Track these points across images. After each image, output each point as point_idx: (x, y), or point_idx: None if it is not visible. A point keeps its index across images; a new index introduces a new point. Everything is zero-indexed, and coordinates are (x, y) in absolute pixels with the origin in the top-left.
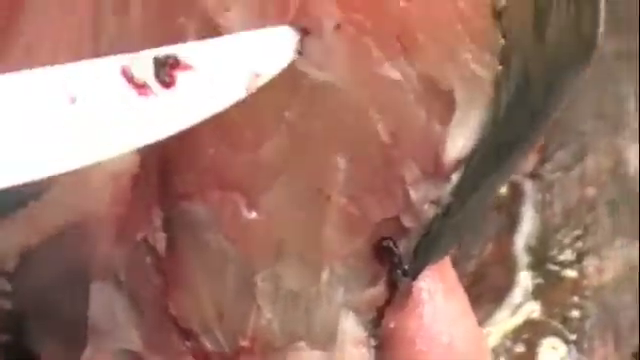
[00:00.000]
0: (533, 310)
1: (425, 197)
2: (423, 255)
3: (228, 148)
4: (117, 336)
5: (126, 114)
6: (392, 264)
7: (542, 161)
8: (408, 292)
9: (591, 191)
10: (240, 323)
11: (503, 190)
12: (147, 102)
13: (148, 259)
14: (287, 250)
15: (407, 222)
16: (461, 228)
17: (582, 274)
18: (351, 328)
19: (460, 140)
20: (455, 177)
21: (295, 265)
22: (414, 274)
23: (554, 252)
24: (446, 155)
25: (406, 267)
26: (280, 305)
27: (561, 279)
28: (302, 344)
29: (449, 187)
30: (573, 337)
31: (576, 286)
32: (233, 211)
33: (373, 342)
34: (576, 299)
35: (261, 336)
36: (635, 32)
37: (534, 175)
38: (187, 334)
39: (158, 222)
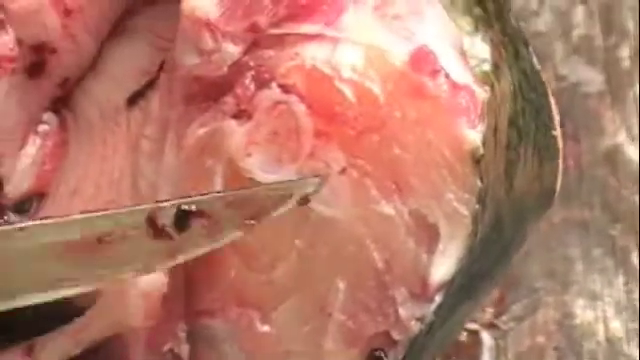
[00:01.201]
0: None
1: (412, 315)
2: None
3: (247, 270)
4: None
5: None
6: None
7: (498, 313)
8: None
9: (540, 339)
10: None
11: (463, 337)
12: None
13: None
14: (294, 359)
15: (396, 336)
16: (439, 345)
17: None
18: None
19: (443, 267)
20: (438, 298)
21: None
22: None
23: None
24: (431, 279)
25: None
26: None
27: None
28: None
29: (433, 307)
30: None
31: None
32: (248, 325)
33: None
34: None
35: None
36: (581, 204)
37: (491, 325)
38: None
39: (183, 335)
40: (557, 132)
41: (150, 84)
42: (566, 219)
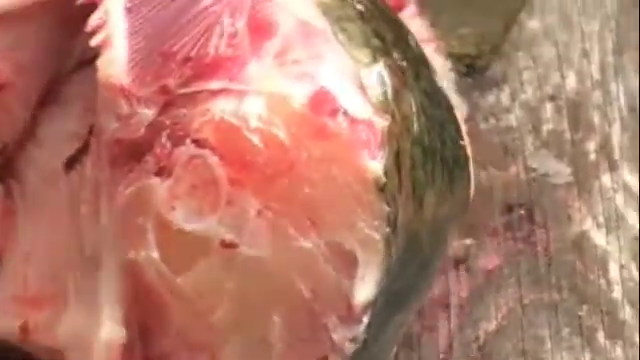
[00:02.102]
0: None
1: (344, 337)
2: None
3: (189, 317)
4: None
5: None
6: None
7: None
8: None
9: None
10: None
11: None
12: None
13: None
14: None
15: (335, 359)
16: (382, 357)
17: None
18: None
19: (364, 290)
20: (365, 319)
21: None
22: None
23: None
24: (355, 302)
25: None
26: None
27: None
28: None
29: (362, 327)
30: None
31: None
32: None
33: None
34: None
35: None
36: (550, 287)
37: None
38: None
39: None
40: (464, 141)
41: (83, 148)
42: (536, 301)
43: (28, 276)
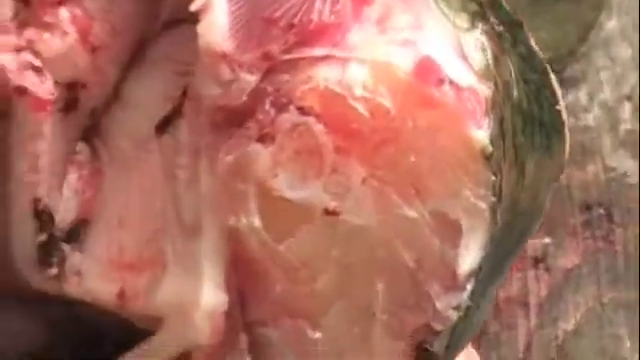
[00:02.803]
0: None
1: (448, 305)
2: (453, 349)
3: (291, 284)
4: None
5: None
6: None
7: None
8: None
9: None
10: None
11: None
12: None
13: None
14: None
15: (437, 326)
16: (477, 324)
17: None
18: None
19: (469, 258)
20: (469, 286)
21: None
22: None
23: None
24: (460, 271)
25: None
26: None
27: None
28: None
29: (466, 294)
30: None
31: None
32: (301, 333)
33: None
34: None
35: None
36: (632, 284)
37: None
38: None
39: (244, 346)
40: (560, 106)
41: (176, 112)
42: (615, 299)
43: (123, 241)
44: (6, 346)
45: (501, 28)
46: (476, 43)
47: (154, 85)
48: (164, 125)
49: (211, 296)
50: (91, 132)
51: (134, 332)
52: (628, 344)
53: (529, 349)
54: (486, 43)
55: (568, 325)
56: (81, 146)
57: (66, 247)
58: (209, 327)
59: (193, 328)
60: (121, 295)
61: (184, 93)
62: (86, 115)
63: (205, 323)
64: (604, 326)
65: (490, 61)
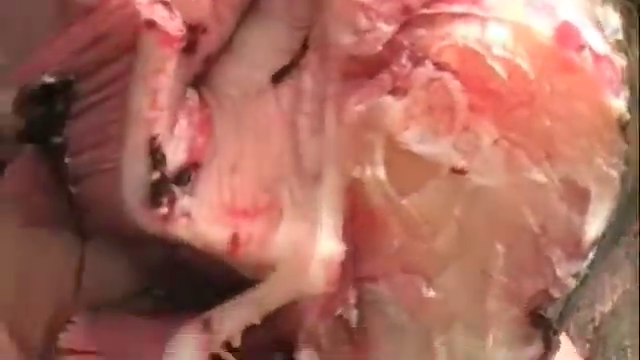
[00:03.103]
0: None
1: (568, 272)
2: (566, 317)
3: (410, 239)
4: None
5: None
6: (545, 327)
7: None
8: (557, 348)
9: None
10: None
11: None
12: None
13: (343, 331)
14: (459, 320)
15: (555, 293)
16: (589, 292)
17: None
18: None
19: (594, 226)
20: (591, 255)
21: (465, 332)
22: (560, 334)
23: None
24: (584, 239)
25: (556, 328)
26: None
27: None
28: None
29: (586, 263)
30: None
31: None
32: (415, 290)
33: None
34: None
35: None
36: None
37: None
38: None
39: (353, 300)
40: None
41: (294, 62)
42: None
43: (236, 187)
44: (104, 290)
45: (630, 4)
46: (609, 16)
47: (267, 36)
48: (281, 75)
49: (328, 245)
50: (200, 79)
51: (236, 281)
52: None
53: (566, 331)
54: (618, 18)
55: (605, 307)
56: (190, 92)
57: (176, 189)
58: (324, 277)
59: (307, 277)
60: (234, 240)
61: (305, 44)
62: (201, 60)
63: (320, 272)
64: None
65: (622, 34)
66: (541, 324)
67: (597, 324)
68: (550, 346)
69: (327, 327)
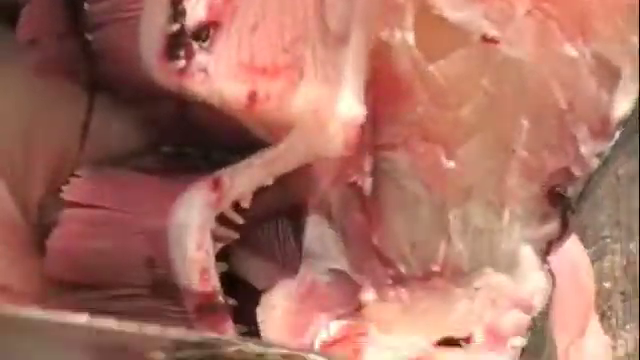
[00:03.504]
0: None
1: (592, 151)
2: (585, 199)
3: (434, 107)
4: (328, 258)
5: None
6: (563, 206)
7: None
8: (573, 229)
9: (607, 284)
10: (432, 252)
11: None
12: None
13: (356, 199)
14: (476, 193)
15: (576, 172)
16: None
17: None
18: (529, 257)
19: (622, 105)
20: (617, 135)
21: (482, 206)
22: (579, 214)
23: None
24: (611, 118)
25: (574, 208)
26: (468, 238)
27: None
28: (488, 269)
29: (611, 143)
30: None
31: None
32: (434, 160)
33: (547, 267)
34: None
35: (451, 262)
36: None
37: None
38: (386, 261)
39: (368, 168)
40: None
41: None
42: (630, 172)
43: (255, 46)
44: (110, 145)
45: None
46: None
47: None
48: None
49: (349, 107)
50: None
51: (249, 143)
52: None
53: None
54: None
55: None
56: None
57: (195, 44)
58: (342, 138)
59: (325, 138)
60: (252, 96)
61: None
62: None
63: (339, 134)
64: (620, 199)
65: None
66: (560, 203)
67: (577, 215)
68: (567, 225)
69: (339, 194)
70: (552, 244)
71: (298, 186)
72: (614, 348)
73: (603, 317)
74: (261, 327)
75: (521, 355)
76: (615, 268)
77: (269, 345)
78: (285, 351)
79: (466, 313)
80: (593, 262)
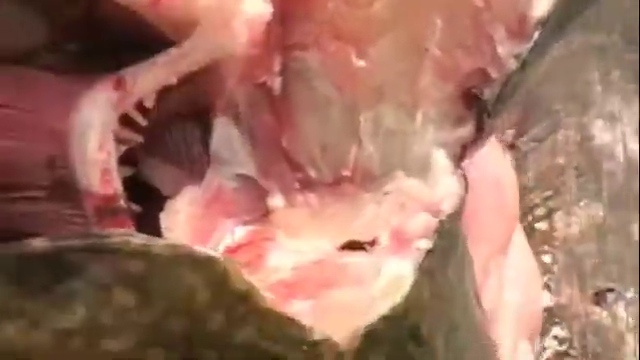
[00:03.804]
0: None
1: (510, 52)
2: (501, 103)
3: (345, 4)
4: (235, 163)
5: None
6: (479, 109)
7: (519, 134)
8: (490, 133)
9: (560, 159)
10: (342, 155)
11: None
12: None
13: (265, 99)
14: (388, 94)
15: (493, 73)
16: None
17: (552, 227)
18: (441, 161)
19: (541, 4)
20: (535, 36)
21: (394, 107)
22: (495, 117)
23: (527, 209)
24: (529, 17)
25: (490, 111)
26: (380, 140)
27: (534, 231)
28: (399, 173)
29: (529, 45)
30: (543, 279)
31: (546, 237)
32: (344, 59)
33: (461, 172)
34: (547, 247)
35: (362, 166)
36: (600, 28)
37: (512, 146)
38: (295, 165)
39: (277, 68)
40: None
41: None
42: (585, 44)
43: None
44: (6, 41)
45: None
46: None
47: None
48: None
49: (254, 3)
50: None
51: (156, 43)
52: (598, 88)
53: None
54: None
55: (537, 70)
56: None
57: None
58: (247, 35)
59: (230, 34)
60: None
61: None
62: None
63: (243, 30)
64: (573, 71)
65: None
66: (475, 105)
67: (528, 87)
68: (483, 129)
69: (247, 94)
70: (466, 148)
71: (204, 86)
72: (568, 225)
73: (556, 193)
74: (165, 233)
75: (427, 257)
76: (569, 143)
77: (153, 238)
78: (170, 242)
79: (373, 217)
80: (546, 137)
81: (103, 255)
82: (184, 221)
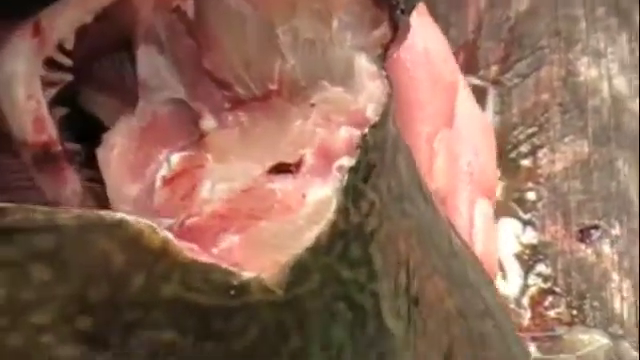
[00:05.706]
0: None
1: None
2: None
3: None
4: (165, 89)
5: None
6: (391, 7)
7: (503, 70)
8: (407, 29)
9: (545, 96)
10: (267, 70)
11: None
12: None
13: (182, 24)
14: (300, 5)
15: None
16: None
17: (536, 164)
18: (365, 65)
19: None
20: None
21: (309, 17)
22: (409, 13)
23: (511, 146)
24: None
25: (403, 8)
26: (300, 52)
27: (518, 167)
28: (324, 82)
29: None
30: (527, 216)
31: (531, 174)
32: None
33: (384, 74)
34: (531, 184)
35: (287, 79)
36: None
37: (496, 82)
38: (222, 84)
39: None
40: None
41: None
42: None
43: None
44: None
45: None
46: None
47: None
48: None
49: None
50: None
51: None
52: (583, 25)
53: (478, 31)
54: None
55: (521, 5)
56: None
57: None
58: None
59: None
60: None
61: None
62: None
63: None
64: (558, 7)
65: None
66: (386, 4)
67: (512, 23)
68: (397, 27)
69: (165, 21)
70: (387, 49)
71: (121, 20)
72: (552, 162)
73: (541, 130)
74: (101, 169)
75: (351, 176)
76: (553, 79)
77: (57, 211)
78: (75, 211)
79: (299, 133)
80: (530, 73)
81: (10, 235)
82: (119, 154)
